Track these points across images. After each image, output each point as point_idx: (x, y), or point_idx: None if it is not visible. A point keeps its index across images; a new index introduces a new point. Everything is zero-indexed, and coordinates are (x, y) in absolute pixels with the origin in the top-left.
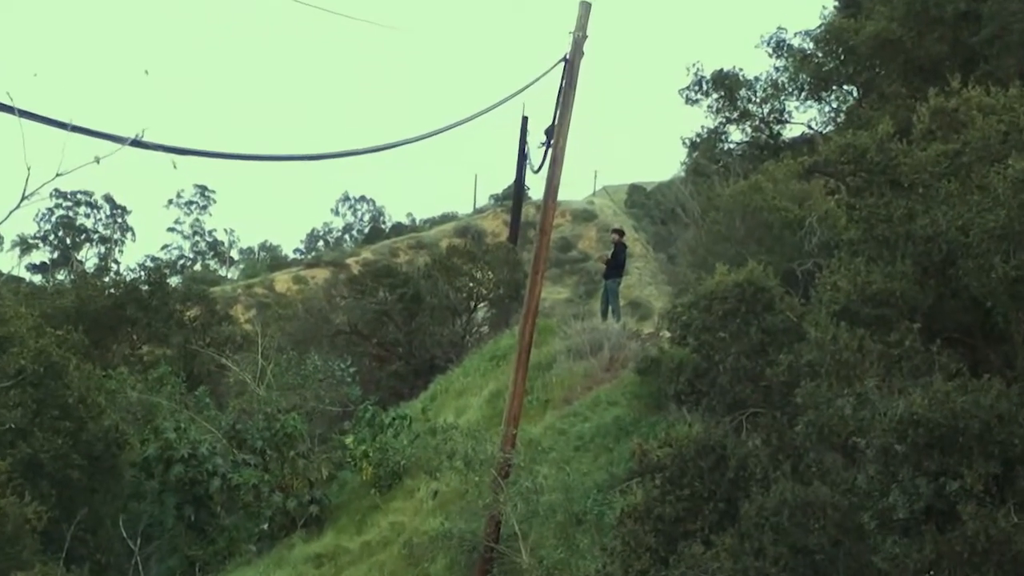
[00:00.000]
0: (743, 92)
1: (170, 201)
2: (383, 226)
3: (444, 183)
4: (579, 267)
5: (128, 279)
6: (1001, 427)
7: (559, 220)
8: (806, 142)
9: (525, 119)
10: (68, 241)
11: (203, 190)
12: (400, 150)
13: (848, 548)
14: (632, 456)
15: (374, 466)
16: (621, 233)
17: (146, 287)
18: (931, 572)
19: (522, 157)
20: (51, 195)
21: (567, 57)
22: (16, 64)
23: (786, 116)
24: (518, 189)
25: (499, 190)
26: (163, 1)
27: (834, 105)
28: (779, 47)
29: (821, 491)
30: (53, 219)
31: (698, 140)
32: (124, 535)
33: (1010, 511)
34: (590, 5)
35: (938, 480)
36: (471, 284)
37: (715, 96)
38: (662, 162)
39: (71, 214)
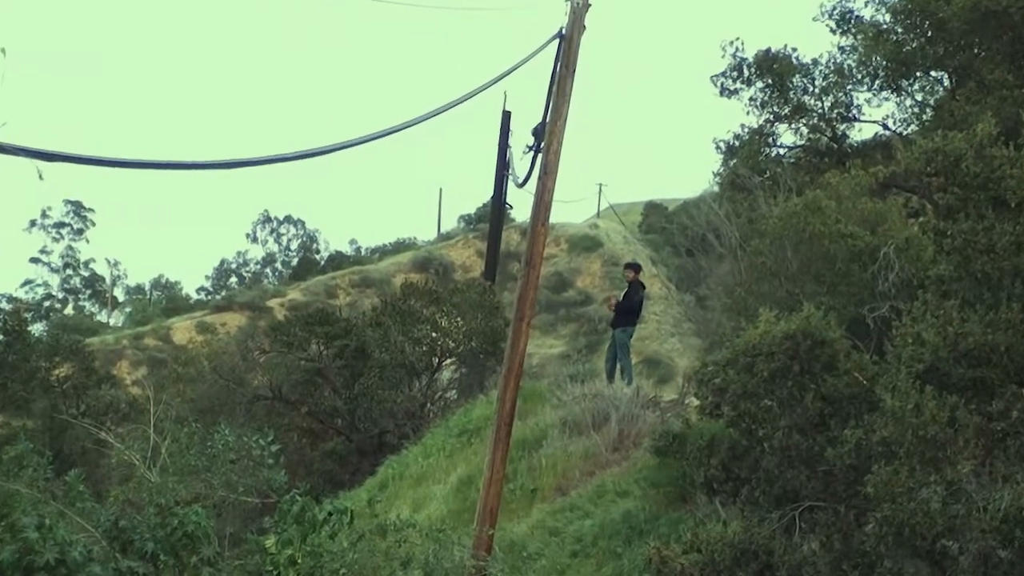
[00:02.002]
0: (796, 80)
1: (33, 223)
2: (316, 257)
3: (399, 201)
4: (578, 312)
5: None
6: None
7: (552, 249)
8: (880, 147)
9: (507, 115)
10: None
11: (78, 208)
12: (341, 160)
13: None
14: (648, 565)
15: None
16: (636, 269)
17: (0, 337)
18: None
19: (502, 165)
20: None
21: (563, 32)
22: None
23: (854, 112)
24: (497, 208)
25: (471, 210)
26: None
27: (918, 97)
28: (844, 20)
29: None
30: None
31: (736, 143)
32: None
33: None
34: None
35: None
36: (434, 335)
37: (759, 85)
38: (688, 173)
39: None
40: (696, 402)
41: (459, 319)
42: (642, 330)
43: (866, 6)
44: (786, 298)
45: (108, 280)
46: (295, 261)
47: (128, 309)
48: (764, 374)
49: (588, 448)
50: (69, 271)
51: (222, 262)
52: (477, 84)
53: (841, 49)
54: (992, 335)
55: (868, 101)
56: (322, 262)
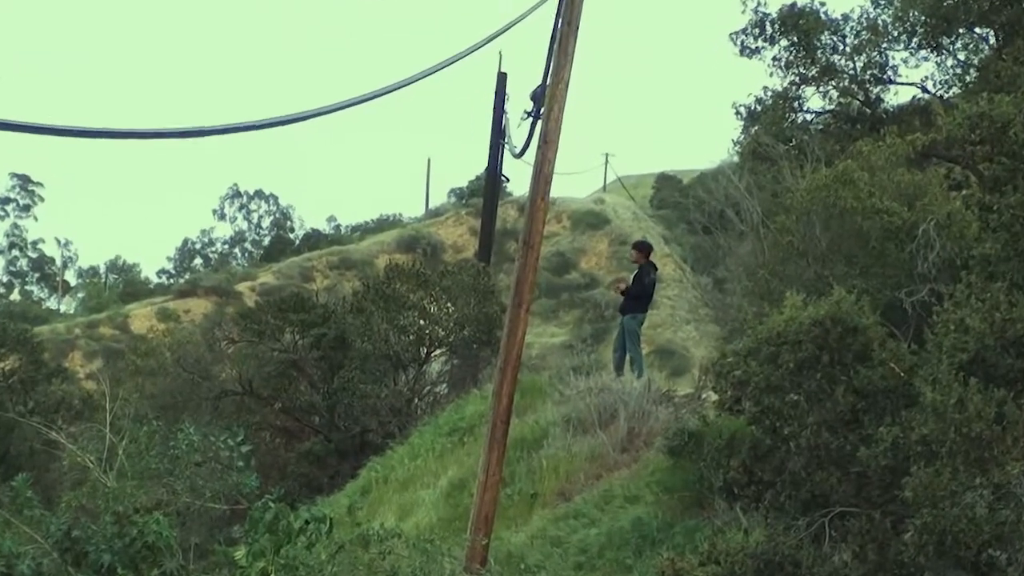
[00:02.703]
0: (825, 38)
1: None
2: (291, 235)
3: (382, 174)
4: (582, 297)
5: None
6: None
7: (554, 227)
8: (919, 112)
9: (503, 78)
10: None
11: (24, 183)
12: (319, 129)
13: None
14: None
15: None
16: (646, 248)
17: None
18: None
19: (498, 133)
20: None
21: None
22: None
23: (889, 73)
24: (492, 182)
25: (463, 183)
26: None
27: (960, 57)
28: None
29: None
30: None
31: (758, 109)
32: None
33: None
34: None
35: None
36: (421, 322)
37: (784, 44)
38: (704, 142)
39: None
40: (714, 397)
41: (450, 305)
42: (654, 317)
43: None
44: (814, 280)
45: (58, 262)
46: (267, 240)
47: (81, 294)
48: (790, 365)
49: (594, 448)
50: (15, 252)
51: (185, 242)
52: (469, 43)
53: (875, 3)
54: None
55: (905, 61)
56: (297, 241)
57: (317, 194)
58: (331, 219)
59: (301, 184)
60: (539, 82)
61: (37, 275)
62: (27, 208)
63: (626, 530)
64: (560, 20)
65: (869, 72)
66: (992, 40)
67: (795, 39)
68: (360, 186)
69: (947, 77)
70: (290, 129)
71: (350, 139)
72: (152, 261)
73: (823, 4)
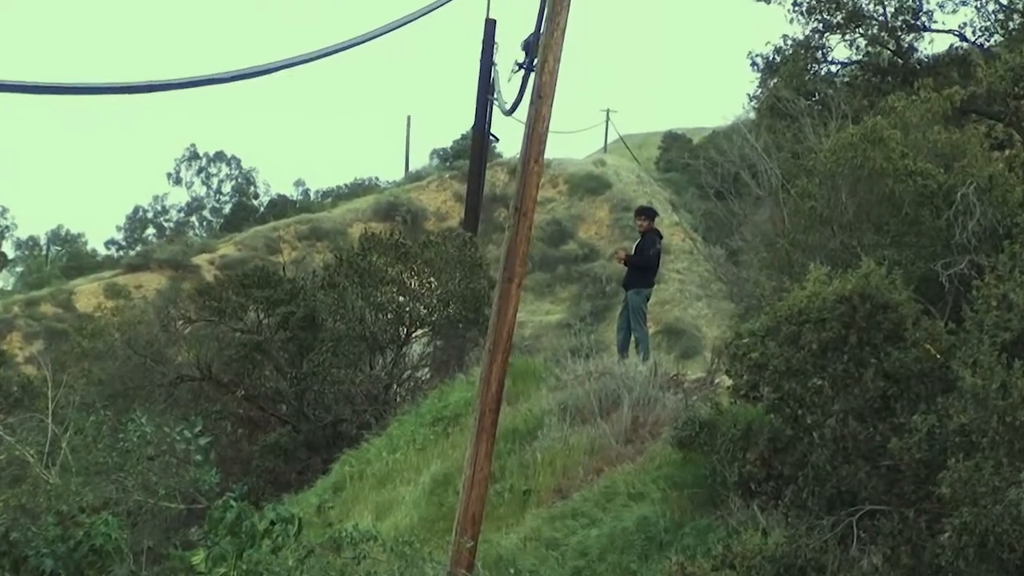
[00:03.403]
0: None
1: None
2: (254, 202)
3: (357, 133)
4: (581, 270)
5: None
6: None
7: (549, 192)
8: (956, 62)
9: (491, 24)
10: None
11: None
12: (286, 84)
13: None
14: None
15: None
16: (651, 215)
17: None
18: None
19: (485, 88)
20: None
21: None
22: None
23: (923, 19)
24: (479, 141)
25: (447, 143)
26: None
27: (1003, 1)
28: None
29: None
30: None
31: (778, 59)
32: None
33: None
34: None
35: None
36: (401, 299)
37: None
38: (716, 96)
39: None
40: (728, 382)
41: (432, 280)
42: (661, 292)
43: None
44: (840, 251)
45: None
46: (228, 208)
47: (19, 268)
48: (813, 346)
49: (594, 440)
50: None
51: (136, 210)
52: None
53: None
54: None
55: (941, 5)
56: (261, 209)
57: (284, 156)
58: (299, 184)
59: (266, 145)
60: (532, 30)
61: None
62: None
63: (630, 531)
64: None
65: (901, 18)
66: None
67: None
68: (332, 147)
69: (988, 23)
70: (254, 84)
71: (321, 95)
72: (99, 231)
73: None
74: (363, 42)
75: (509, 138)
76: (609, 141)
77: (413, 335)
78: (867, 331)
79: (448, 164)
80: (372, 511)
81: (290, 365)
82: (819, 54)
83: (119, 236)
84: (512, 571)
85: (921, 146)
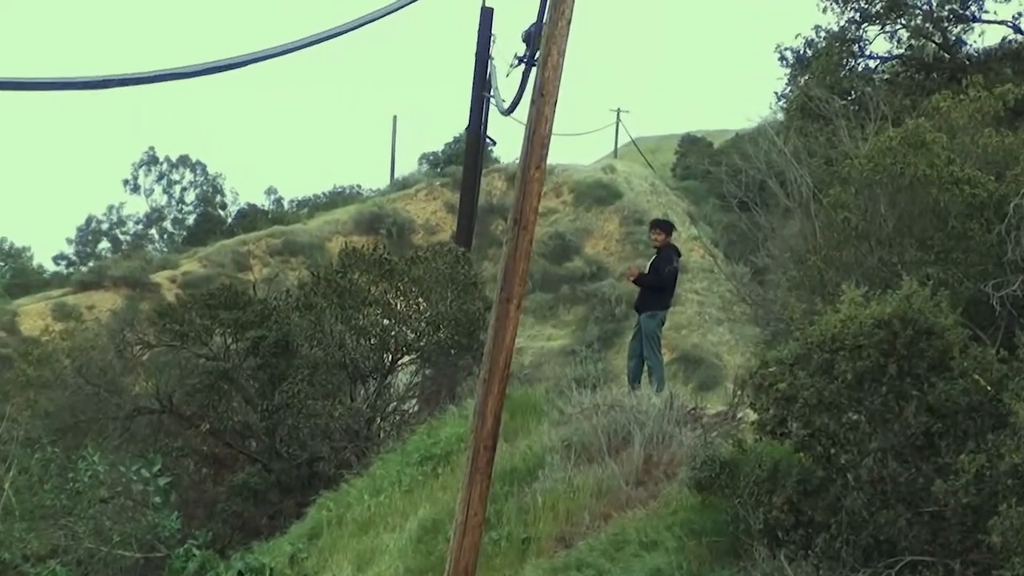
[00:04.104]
0: None
1: None
2: (222, 213)
3: (337, 136)
4: (587, 290)
5: None
6: None
7: (552, 202)
8: (1010, 57)
9: (488, 13)
10: None
11: None
12: (257, 80)
13: None
14: None
15: None
16: (668, 229)
17: None
18: None
19: (481, 85)
20: None
21: None
22: None
23: (972, 8)
24: (474, 145)
25: (437, 147)
26: None
27: None
28: None
29: None
30: None
31: (809, 53)
32: None
33: None
34: None
35: None
36: (386, 322)
37: None
38: (740, 95)
39: None
40: (753, 416)
41: (421, 300)
42: (677, 315)
43: None
44: (879, 269)
45: None
46: (191, 219)
47: None
48: (848, 377)
49: (602, 481)
50: None
51: (89, 221)
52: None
53: None
54: None
55: None
56: (229, 220)
57: (255, 161)
58: (272, 192)
59: (234, 149)
60: (533, 19)
61: None
62: None
63: None
64: None
65: (948, 7)
66: None
67: None
68: (309, 151)
69: None
70: (221, 80)
71: (296, 94)
72: (47, 244)
73: None
74: (343, 33)
75: (507, 141)
76: (620, 145)
77: (399, 363)
78: (909, 360)
79: (439, 170)
80: (352, 561)
81: (261, 396)
82: (855, 47)
83: (69, 250)
84: None
85: (970, 151)
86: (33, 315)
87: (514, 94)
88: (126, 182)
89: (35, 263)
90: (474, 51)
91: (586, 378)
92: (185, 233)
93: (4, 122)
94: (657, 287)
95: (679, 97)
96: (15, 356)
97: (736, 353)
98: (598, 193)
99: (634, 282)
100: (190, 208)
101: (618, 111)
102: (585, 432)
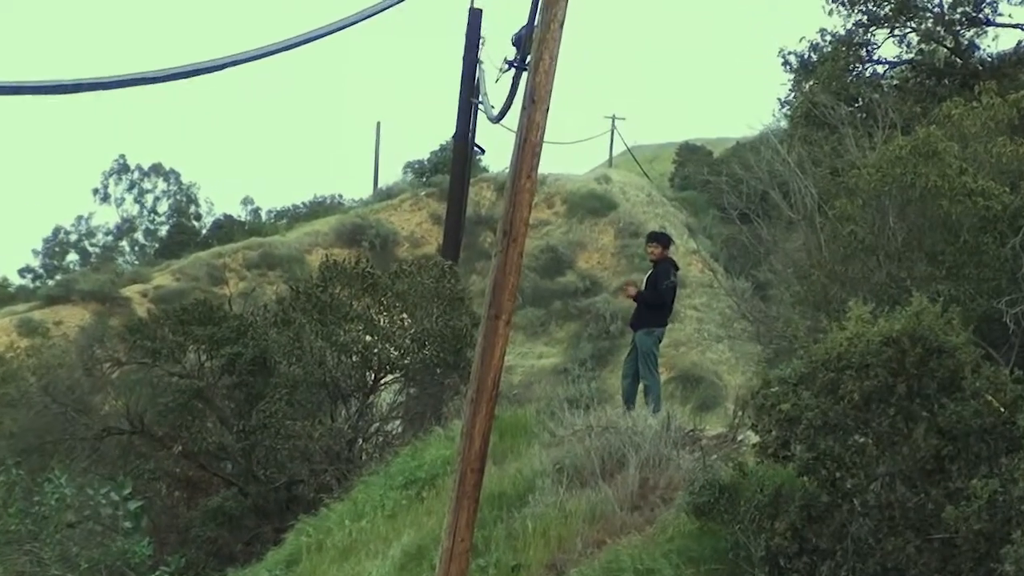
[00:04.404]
0: None
1: None
2: (195, 224)
3: (317, 143)
4: (581, 306)
5: None
6: None
7: (543, 213)
8: None
9: (476, 15)
10: None
11: None
12: (233, 85)
13: None
14: None
15: None
16: (665, 242)
17: None
18: None
19: (469, 90)
20: None
21: None
22: None
23: (986, 11)
24: (461, 154)
25: (423, 155)
26: None
27: None
28: None
29: None
30: None
31: (815, 58)
32: None
33: None
34: None
35: None
36: (368, 339)
37: None
38: (741, 102)
39: None
40: (754, 438)
41: (405, 316)
42: (675, 332)
43: None
44: (887, 285)
45: None
46: (164, 230)
47: None
48: (854, 397)
49: (595, 506)
50: None
51: (56, 232)
52: None
53: None
54: None
55: None
56: (203, 231)
57: (231, 170)
58: (248, 202)
59: (210, 157)
60: (524, 22)
61: None
62: None
63: None
64: None
65: (960, 10)
66: None
67: None
68: (288, 160)
69: None
70: (197, 85)
71: (275, 99)
72: (12, 257)
73: None
74: (324, 35)
75: (497, 149)
76: (615, 154)
77: (382, 381)
78: (918, 380)
79: (424, 180)
80: None
81: (237, 416)
82: (863, 52)
83: (35, 263)
84: None
85: (983, 161)
86: None
87: (504, 100)
88: (95, 191)
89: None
90: (462, 55)
91: (579, 398)
92: (157, 245)
93: None
94: (654, 303)
95: (677, 104)
96: None
97: (737, 372)
98: (592, 204)
99: (631, 298)
100: (163, 219)
101: (613, 118)
102: (578, 455)
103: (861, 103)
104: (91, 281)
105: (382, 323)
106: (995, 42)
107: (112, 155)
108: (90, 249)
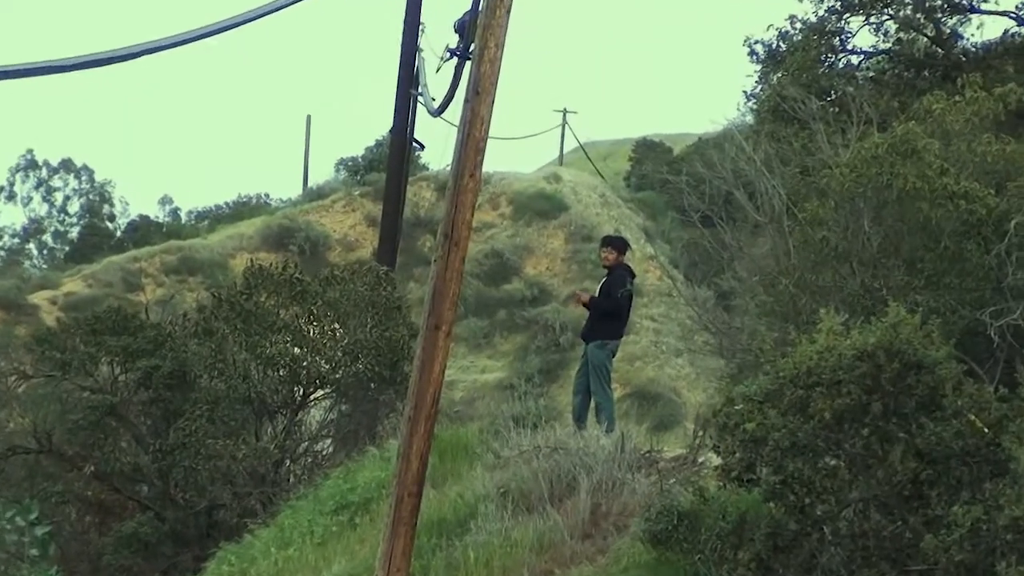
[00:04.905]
0: None
1: None
2: (109, 226)
3: (241, 138)
4: (529, 316)
5: None
6: None
7: (488, 215)
8: (1012, 52)
9: None
10: None
11: None
12: (150, 74)
13: None
14: None
15: None
16: (620, 246)
17: None
18: None
19: (408, 80)
20: None
21: None
22: None
23: None
24: (399, 150)
25: (358, 151)
26: None
27: None
28: None
29: None
30: None
31: (783, 47)
32: None
33: None
34: None
35: None
36: (297, 351)
37: None
38: (703, 96)
39: None
40: (716, 460)
41: (337, 326)
42: (630, 345)
43: None
44: (861, 295)
45: None
46: (75, 232)
47: None
48: (825, 416)
49: (543, 534)
50: None
51: None
52: None
53: None
54: None
55: None
56: (118, 234)
57: (148, 166)
58: (167, 202)
59: (125, 153)
60: (467, 6)
61: None
62: None
63: None
64: None
65: None
66: None
67: None
68: (209, 156)
69: None
70: (111, 76)
71: (196, 91)
72: None
73: None
74: (247, 22)
75: (437, 145)
76: (566, 151)
77: (312, 397)
78: (895, 397)
79: (359, 178)
80: None
81: (153, 434)
82: (836, 41)
83: None
84: None
85: (966, 160)
86: None
87: (445, 92)
88: (1, 189)
89: None
90: (400, 42)
91: (526, 416)
92: (68, 248)
93: None
94: (609, 312)
95: (633, 97)
96: None
97: (697, 389)
98: (541, 205)
99: (583, 305)
100: (73, 219)
101: (564, 112)
102: (524, 478)
103: (834, 97)
104: None
105: (312, 334)
106: (980, 31)
107: (19, 150)
108: None
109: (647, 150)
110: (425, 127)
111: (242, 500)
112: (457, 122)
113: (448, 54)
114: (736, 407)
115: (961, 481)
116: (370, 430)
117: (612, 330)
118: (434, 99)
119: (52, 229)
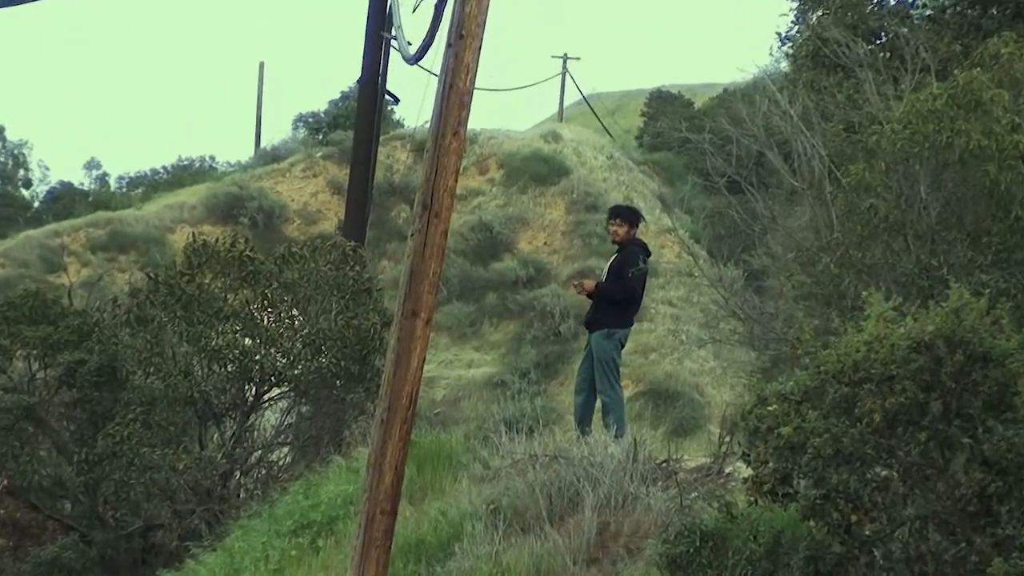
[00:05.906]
0: None
1: None
2: (26, 194)
3: (181, 91)
4: (523, 300)
5: None
6: None
7: (474, 181)
8: None
9: None
10: None
11: None
12: (73, 21)
13: None
14: None
15: None
16: (632, 218)
17: None
18: None
19: (379, 22)
20: None
21: None
22: None
23: None
24: (369, 104)
25: (320, 106)
26: None
27: None
28: None
29: None
30: None
31: None
32: None
33: None
34: None
35: None
36: (248, 342)
37: None
38: (728, 40)
39: None
40: (746, 471)
41: (296, 313)
42: (644, 334)
43: None
44: (916, 274)
45: None
46: None
47: None
48: (875, 418)
49: (540, 558)
50: None
51: None
52: None
53: None
54: None
55: None
56: (36, 204)
57: (72, 126)
58: (94, 166)
59: (45, 111)
60: None
61: None
62: None
63: None
64: None
65: None
66: None
67: None
68: (143, 113)
69: None
70: (26, 17)
71: (129, 37)
72: None
73: None
74: None
75: (414, 98)
76: (567, 104)
77: (266, 397)
78: (958, 396)
79: (321, 138)
80: None
81: (78, 442)
82: None
83: None
84: None
85: None
86: None
87: (424, 35)
88: None
89: None
90: None
91: (520, 419)
92: None
93: None
94: (619, 297)
95: (646, 42)
96: None
97: (723, 386)
98: (537, 169)
99: (588, 296)
100: None
101: (564, 59)
102: (518, 492)
103: (884, 39)
104: None
105: (266, 322)
106: None
107: None
108: None
109: (663, 103)
110: (400, 77)
111: (183, 519)
112: (438, 71)
113: None
114: (769, 408)
115: None
116: (335, 436)
117: (621, 317)
118: (410, 43)
119: None
